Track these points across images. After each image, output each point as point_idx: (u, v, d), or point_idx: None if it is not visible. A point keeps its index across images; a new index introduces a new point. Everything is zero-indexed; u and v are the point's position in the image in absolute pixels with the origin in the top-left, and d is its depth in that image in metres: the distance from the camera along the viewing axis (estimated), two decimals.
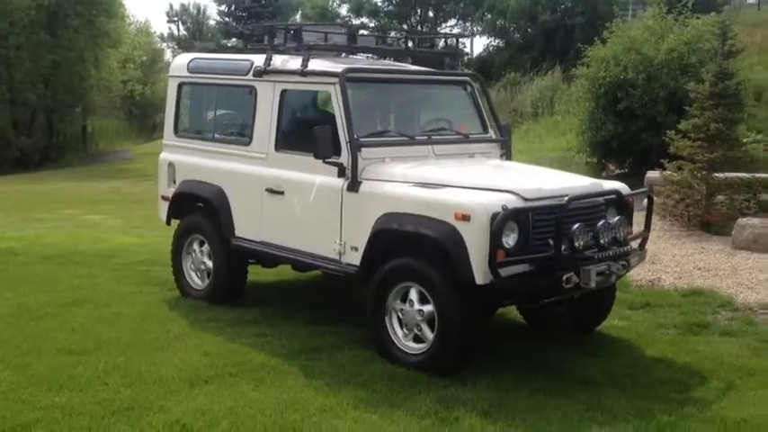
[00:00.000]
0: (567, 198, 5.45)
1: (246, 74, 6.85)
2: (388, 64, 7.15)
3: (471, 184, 5.61)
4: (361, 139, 6.00)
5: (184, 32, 61.69)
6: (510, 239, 5.27)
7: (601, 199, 5.86)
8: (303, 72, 6.33)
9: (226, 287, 7.16)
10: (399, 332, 5.73)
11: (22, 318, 6.67)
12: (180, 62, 7.66)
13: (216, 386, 5.18)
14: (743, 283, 8.33)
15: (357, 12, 37.29)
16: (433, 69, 7.07)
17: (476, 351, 5.52)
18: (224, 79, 7.18)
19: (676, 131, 11.42)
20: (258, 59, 6.83)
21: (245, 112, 6.93)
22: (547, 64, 26.63)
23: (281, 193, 6.47)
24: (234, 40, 24.00)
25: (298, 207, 6.37)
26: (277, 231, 6.58)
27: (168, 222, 7.66)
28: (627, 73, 14.92)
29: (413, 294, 5.59)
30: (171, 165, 7.55)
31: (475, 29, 36.42)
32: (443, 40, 8.15)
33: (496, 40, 33.05)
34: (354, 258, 5.97)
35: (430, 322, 5.53)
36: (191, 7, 60.98)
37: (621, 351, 6.18)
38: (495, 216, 5.15)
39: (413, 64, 7.62)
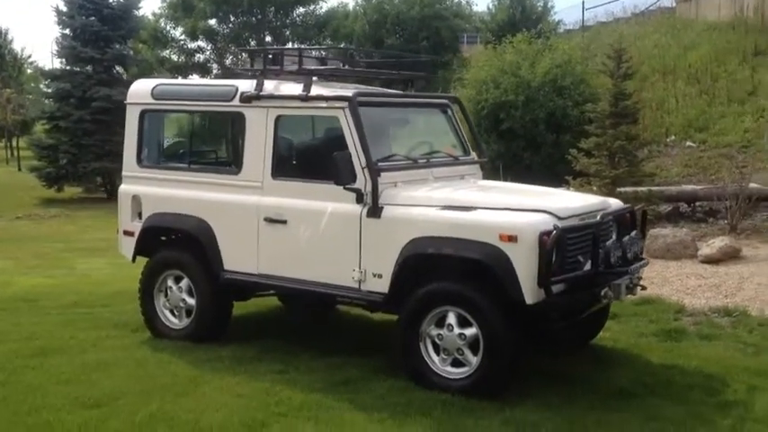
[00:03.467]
0: (600, 215, 5.64)
1: (231, 99, 6.54)
2: (368, 88, 7.08)
3: (502, 205, 5.65)
4: (379, 164, 5.91)
5: None
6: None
7: (611, 216, 6.09)
8: (307, 97, 6.15)
9: (212, 324, 6.77)
10: (435, 358, 5.66)
11: None
12: (141, 88, 7.19)
13: (277, 429, 4.90)
14: (680, 289, 8.92)
15: (192, 35, 36.53)
16: (420, 93, 7.09)
17: (522, 371, 5.56)
18: (201, 106, 6.85)
19: (578, 150, 12.08)
20: (243, 84, 6.56)
21: (230, 139, 6.64)
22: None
23: (284, 222, 6.23)
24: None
25: (305, 236, 6.15)
26: (279, 262, 6.31)
27: (134, 260, 7.15)
28: (507, 95, 15.58)
29: (451, 318, 5.54)
30: (135, 198, 7.07)
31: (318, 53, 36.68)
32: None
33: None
34: (377, 285, 5.84)
35: (471, 345, 5.51)
36: None
37: (629, 361, 6.41)
38: (542, 236, 5.22)
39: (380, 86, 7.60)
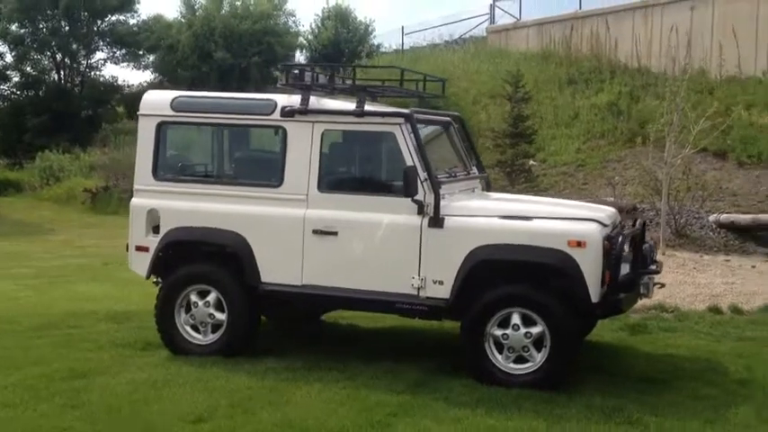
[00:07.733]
0: (639, 223, 6.42)
1: (270, 114, 6.65)
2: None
3: (554, 214, 6.29)
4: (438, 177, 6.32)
5: None
6: None
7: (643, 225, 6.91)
8: (362, 113, 6.40)
9: (243, 337, 6.78)
10: (499, 356, 6.13)
11: (48, 399, 5.68)
12: (157, 99, 7.07)
13: (403, 427, 5.17)
14: None
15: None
16: (427, 110, 7.47)
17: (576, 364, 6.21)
18: (232, 119, 6.85)
19: None
20: (280, 99, 6.69)
21: (267, 153, 6.73)
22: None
23: (334, 233, 6.43)
24: None
25: (359, 246, 6.39)
26: (328, 273, 6.50)
27: (148, 276, 6.97)
28: None
29: (515, 319, 6.05)
30: (152, 212, 6.92)
31: (135, 64, 35.40)
32: None
33: (161, 77, 32.56)
34: (439, 292, 6.22)
35: (535, 343, 6.05)
36: None
37: (628, 353, 7.22)
38: (604, 241, 5.91)
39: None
